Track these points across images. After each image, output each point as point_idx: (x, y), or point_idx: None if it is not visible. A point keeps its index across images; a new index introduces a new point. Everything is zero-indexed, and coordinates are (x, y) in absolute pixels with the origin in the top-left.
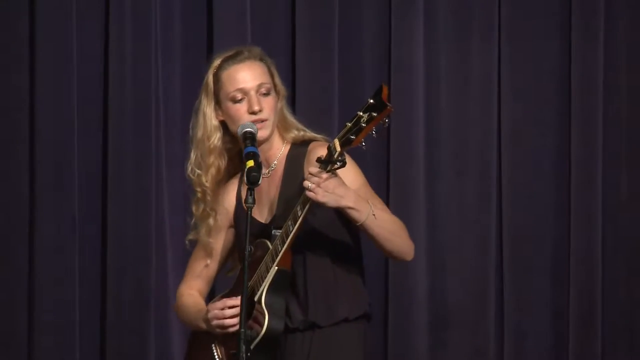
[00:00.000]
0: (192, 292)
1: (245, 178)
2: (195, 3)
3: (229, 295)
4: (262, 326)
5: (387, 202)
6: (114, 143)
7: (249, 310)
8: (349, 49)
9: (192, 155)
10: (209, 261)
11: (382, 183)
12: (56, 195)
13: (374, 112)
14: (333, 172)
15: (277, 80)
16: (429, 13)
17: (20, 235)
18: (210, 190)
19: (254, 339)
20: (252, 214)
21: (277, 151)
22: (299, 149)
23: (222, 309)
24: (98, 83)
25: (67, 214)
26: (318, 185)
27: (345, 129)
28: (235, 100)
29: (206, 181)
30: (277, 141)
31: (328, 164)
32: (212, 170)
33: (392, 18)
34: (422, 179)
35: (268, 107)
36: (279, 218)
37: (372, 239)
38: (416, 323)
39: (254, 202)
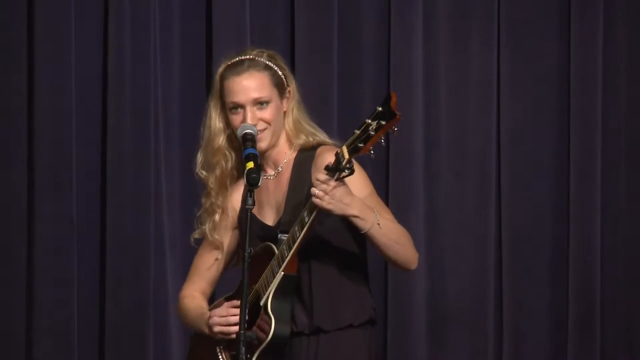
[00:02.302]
0: (194, 294)
1: (245, 179)
2: (194, 4)
3: (232, 298)
4: (268, 332)
5: (386, 203)
6: (113, 144)
7: (255, 315)
8: (348, 50)
9: (199, 155)
10: (214, 261)
11: (381, 184)
12: (55, 196)
13: (382, 121)
14: (341, 180)
15: (290, 82)
16: (429, 14)
17: (19, 236)
18: (214, 192)
19: (260, 342)
20: (259, 216)
21: (285, 155)
22: (307, 152)
23: (225, 315)
24: (97, 84)
25: (66, 215)
26: (325, 192)
27: (354, 137)
28: (233, 111)
29: (211, 182)
30: (284, 144)
31: (336, 171)
32: (217, 171)
33: (392, 18)
34: (422, 179)
35: (265, 118)
36: (286, 222)
37: (375, 247)
38: (416, 323)
39: (253, 204)
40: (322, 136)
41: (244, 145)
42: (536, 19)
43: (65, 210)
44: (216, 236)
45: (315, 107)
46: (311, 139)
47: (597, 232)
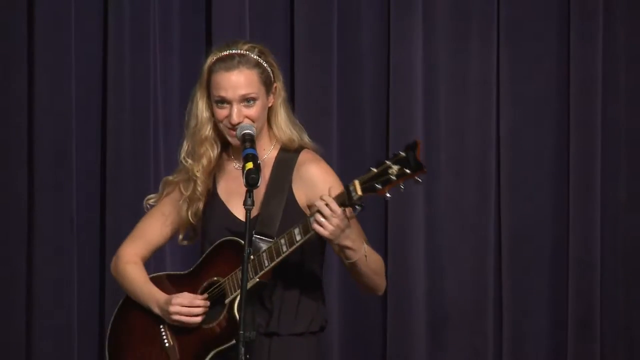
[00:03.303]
0: (137, 260)
1: (244, 180)
2: (194, 3)
3: (183, 280)
4: (231, 332)
5: (385, 204)
6: (113, 144)
7: (216, 309)
8: (347, 50)
9: (185, 144)
10: (163, 231)
11: None
12: (55, 196)
13: (407, 169)
14: (347, 214)
15: (277, 79)
16: (428, 14)
17: (18, 237)
18: (200, 181)
19: (223, 341)
20: (230, 208)
21: (265, 151)
22: (289, 154)
23: (189, 306)
24: (97, 84)
25: (66, 215)
26: (332, 225)
27: (370, 175)
28: (218, 105)
29: (197, 171)
30: (265, 140)
31: (344, 204)
32: (204, 161)
33: (391, 19)
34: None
35: (250, 115)
36: (261, 223)
37: (352, 273)
38: (415, 324)
39: (253, 204)
40: (305, 138)
41: (242, 146)
42: (536, 19)
43: (65, 210)
44: (195, 222)
45: (315, 107)
46: (295, 139)
47: (597, 232)
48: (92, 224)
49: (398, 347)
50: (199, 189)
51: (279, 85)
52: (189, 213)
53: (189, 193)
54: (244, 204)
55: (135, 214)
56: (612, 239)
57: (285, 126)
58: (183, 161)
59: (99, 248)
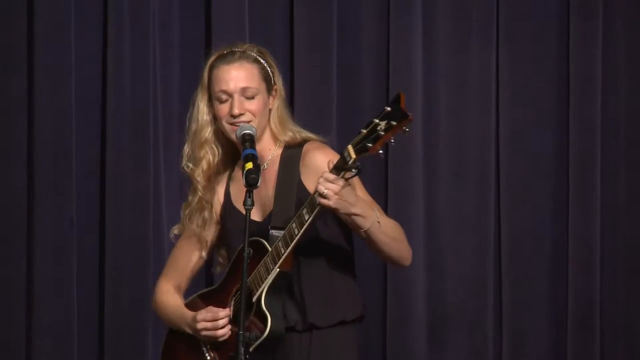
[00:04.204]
0: (171, 289)
1: (244, 180)
2: (193, 4)
3: (213, 295)
4: (264, 328)
5: (385, 204)
6: (112, 145)
7: (247, 311)
8: (347, 50)
9: (186, 148)
10: (194, 256)
11: (380, 184)
12: (55, 196)
13: (393, 121)
14: (346, 180)
15: (277, 79)
16: (428, 14)
17: (18, 237)
18: (201, 186)
19: (253, 341)
20: (243, 211)
21: (269, 151)
22: (293, 149)
23: (214, 320)
24: (96, 84)
25: (66, 216)
26: (334, 192)
27: (360, 136)
28: (221, 100)
29: (198, 175)
30: (269, 141)
31: (341, 170)
32: (204, 164)
33: (391, 19)
34: (421, 180)
35: (251, 110)
36: (277, 218)
37: (372, 245)
38: (415, 323)
39: (252, 204)
40: (305, 133)
41: (242, 146)
42: (536, 19)
43: (65, 210)
44: (205, 233)
45: (315, 107)
46: (296, 136)
47: (597, 232)
48: (92, 224)
49: (398, 346)
50: (201, 194)
51: (278, 87)
52: (195, 224)
53: (195, 204)
54: (244, 204)
55: (135, 214)
56: (611, 239)
57: (285, 126)
58: (185, 167)
59: (99, 248)
